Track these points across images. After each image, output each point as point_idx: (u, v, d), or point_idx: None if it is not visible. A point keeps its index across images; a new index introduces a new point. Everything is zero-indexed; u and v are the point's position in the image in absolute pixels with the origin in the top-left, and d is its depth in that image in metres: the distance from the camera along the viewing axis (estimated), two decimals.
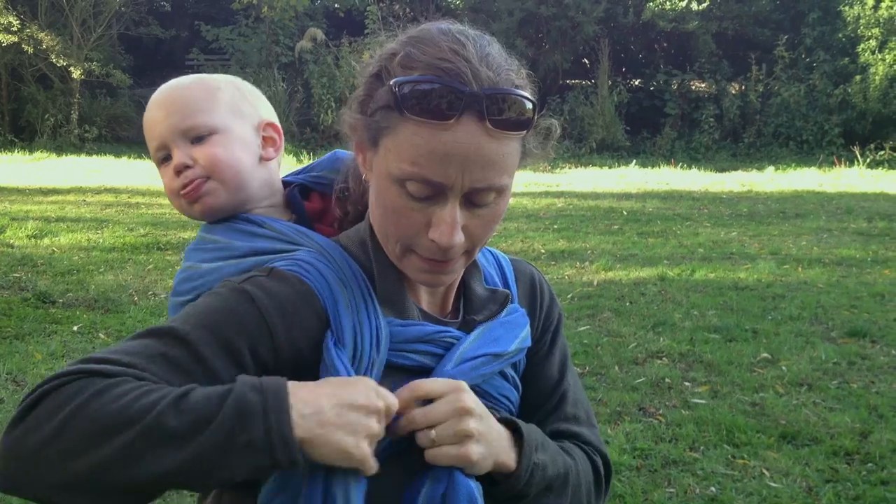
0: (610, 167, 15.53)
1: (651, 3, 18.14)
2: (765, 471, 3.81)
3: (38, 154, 16.29)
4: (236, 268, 1.24)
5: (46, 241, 8.35)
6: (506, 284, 1.33)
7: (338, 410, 1.01)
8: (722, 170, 15.14)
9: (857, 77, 16.87)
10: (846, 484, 3.69)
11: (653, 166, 15.51)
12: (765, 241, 8.81)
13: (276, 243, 1.26)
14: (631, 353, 5.35)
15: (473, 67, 1.05)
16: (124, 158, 15.86)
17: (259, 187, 1.37)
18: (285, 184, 1.44)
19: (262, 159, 1.39)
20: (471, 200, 1.10)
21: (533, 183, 12.89)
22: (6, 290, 6.56)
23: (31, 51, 17.04)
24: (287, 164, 1.52)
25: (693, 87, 18.70)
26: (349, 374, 1.09)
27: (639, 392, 4.70)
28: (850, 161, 15.39)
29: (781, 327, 5.88)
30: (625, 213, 10.56)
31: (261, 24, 18.79)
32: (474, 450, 1.10)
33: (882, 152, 15.82)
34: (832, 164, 15.21)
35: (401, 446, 1.12)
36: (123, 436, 0.94)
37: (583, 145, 17.28)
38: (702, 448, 4.04)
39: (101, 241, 8.43)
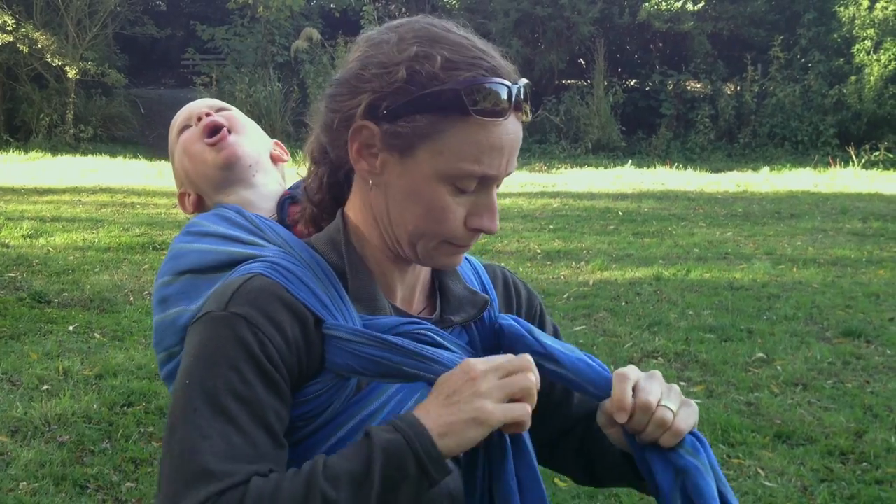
0: (605, 167, 15.54)
1: (647, 4, 18.17)
2: (760, 470, 3.82)
3: (33, 154, 16.26)
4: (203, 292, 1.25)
5: (42, 240, 8.33)
6: (484, 289, 1.32)
7: (458, 408, 1.03)
8: (717, 170, 15.16)
9: (853, 78, 16.91)
10: (841, 483, 3.70)
11: (648, 166, 15.53)
12: (760, 242, 8.83)
13: (251, 238, 1.28)
14: (626, 352, 5.36)
15: (498, 62, 1.12)
16: (120, 158, 15.84)
17: (271, 177, 1.53)
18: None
19: (274, 158, 1.58)
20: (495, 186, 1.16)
21: (529, 183, 12.90)
22: (1, 290, 6.55)
23: (26, 50, 17.01)
24: (287, 163, 1.63)
25: (688, 88, 18.73)
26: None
27: None
28: (845, 161, 15.41)
29: (776, 327, 5.90)
30: (620, 213, 10.57)
31: (256, 24, 18.78)
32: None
33: (877, 153, 15.85)
34: (827, 165, 15.23)
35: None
36: None
37: (578, 145, 17.29)
38: None
39: (96, 240, 8.42)
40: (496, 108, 1.08)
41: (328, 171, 1.24)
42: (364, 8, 18.49)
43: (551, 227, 9.58)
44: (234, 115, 1.56)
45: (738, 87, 18.28)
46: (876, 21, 17.05)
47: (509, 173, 1.14)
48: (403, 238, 1.16)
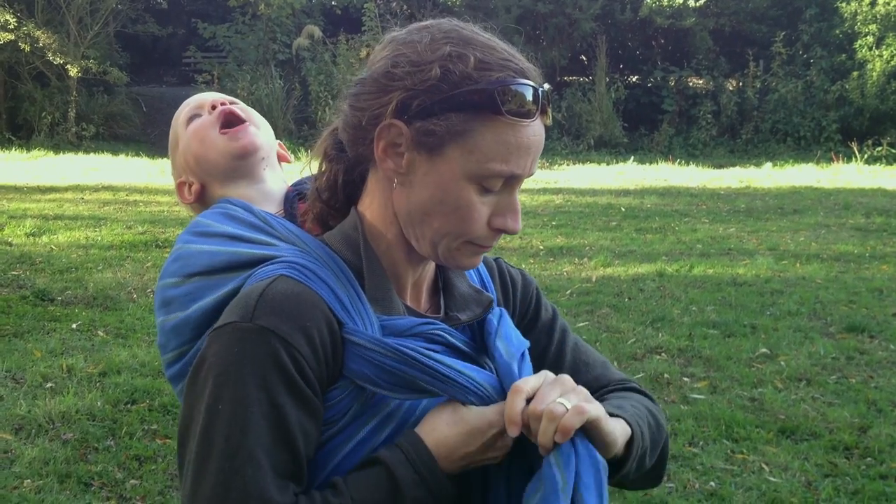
0: (608, 164, 15.54)
1: (648, 0, 18.15)
2: (764, 465, 3.82)
3: (35, 152, 16.26)
4: (218, 299, 1.20)
5: (45, 239, 8.34)
6: (484, 285, 1.33)
7: (464, 439, 1.13)
8: (719, 166, 15.15)
9: (855, 73, 16.89)
10: (845, 478, 3.70)
11: (651, 163, 15.52)
12: (763, 237, 8.82)
13: (261, 237, 1.24)
14: (630, 348, 5.36)
15: (525, 64, 1.14)
16: (122, 156, 15.85)
17: (277, 175, 1.53)
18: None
19: (279, 157, 1.58)
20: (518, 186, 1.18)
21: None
22: (5, 288, 6.56)
23: (27, 49, 17.00)
24: (286, 164, 1.63)
25: (690, 84, 18.72)
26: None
27: None
28: (848, 157, 15.40)
29: (780, 323, 5.89)
30: (623, 209, 10.56)
31: (258, 22, 18.76)
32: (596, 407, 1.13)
33: (879, 148, 15.84)
34: (830, 160, 15.22)
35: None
36: None
37: (580, 142, 17.29)
38: (701, 443, 4.05)
39: (99, 238, 8.42)
40: (524, 109, 1.10)
41: (344, 168, 1.23)
42: (366, 5, 18.47)
43: (554, 223, 9.58)
44: (248, 108, 1.57)
45: (741, 83, 18.27)
46: (878, 16, 17.03)
47: (532, 174, 1.16)
48: (426, 237, 1.16)
